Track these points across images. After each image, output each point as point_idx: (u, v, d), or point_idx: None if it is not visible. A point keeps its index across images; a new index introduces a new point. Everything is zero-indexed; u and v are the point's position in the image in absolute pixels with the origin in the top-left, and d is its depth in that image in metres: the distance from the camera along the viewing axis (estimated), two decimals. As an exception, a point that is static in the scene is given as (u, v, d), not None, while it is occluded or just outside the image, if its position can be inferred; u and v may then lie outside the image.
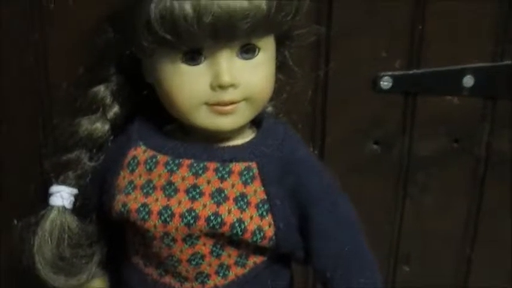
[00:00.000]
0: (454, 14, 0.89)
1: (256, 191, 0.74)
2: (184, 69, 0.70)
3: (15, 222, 0.82)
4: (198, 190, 0.73)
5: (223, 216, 0.72)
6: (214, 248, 0.74)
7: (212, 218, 0.72)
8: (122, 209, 0.75)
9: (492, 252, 1.07)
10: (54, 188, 0.81)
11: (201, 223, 0.72)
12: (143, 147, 0.77)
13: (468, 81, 0.92)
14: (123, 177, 0.76)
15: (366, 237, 0.77)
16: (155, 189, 0.74)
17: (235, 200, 0.73)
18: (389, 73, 0.91)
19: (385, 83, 0.91)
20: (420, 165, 0.98)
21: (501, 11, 0.90)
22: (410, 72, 0.92)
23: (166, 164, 0.74)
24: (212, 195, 0.73)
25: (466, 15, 0.89)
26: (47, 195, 0.81)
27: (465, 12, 0.89)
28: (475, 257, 1.07)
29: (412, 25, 0.90)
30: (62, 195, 0.80)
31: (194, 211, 0.72)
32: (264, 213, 0.74)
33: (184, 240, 0.73)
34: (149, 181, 0.75)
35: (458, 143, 0.98)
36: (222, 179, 0.73)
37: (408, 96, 0.94)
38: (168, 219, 0.73)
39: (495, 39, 0.92)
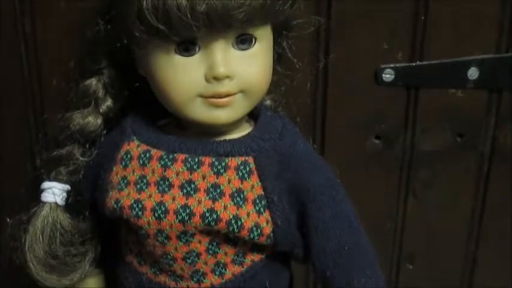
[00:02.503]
0: (457, 4, 0.87)
1: (253, 187, 0.72)
2: (178, 60, 0.69)
3: (7, 219, 0.80)
4: (193, 186, 0.71)
5: (218, 213, 0.70)
6: (210, 246, 0.73)
7: (207, 214, 0.70)
8: (115, 206, 0.73)
9: (497, 249, 1.05)
10: (46, 184, 0.80)
11: (196, 220, 0.70)
12: (136, 142, 0.75)
13: (473, 73, 0.90)
14: (116, 173, 0.75)
15: (368, 234, 0.76)
16: (149, 185, 0.72)
17: (232, 196, 0.71)
18: (391, 65, 0.89)
19: (387, 75, 0.90)
20: (423, 161, 0.97)
21: (505, 0, 0.88)
22: (413, 64, 0.90)
23: (160, 158, 0.73)
24: (207, 191, 0.71)
25: (469, 5, 0.87)
26: (38, 192, 0.80)
27: (468, 2, 0.87)
28: (480, 254, 1.05)
29: (415, 16, 0.88)
30: (54, 192, 0.80)
31: (189, 207, 0.70)
32: (262, 209, 0.72)
33: (178, 237, 0.72)
34: (143, 177, 0.73)
35: (462, 137, 0.96)
36: (217, 174, 0.71)
37: (411, 89, 0.92)
38: (162, 216, 0.71)
39: (500, 30, 0.89)
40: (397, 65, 0.89)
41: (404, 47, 0.89)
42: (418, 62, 0.90)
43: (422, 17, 0.88)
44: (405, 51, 0.89)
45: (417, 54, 0.89)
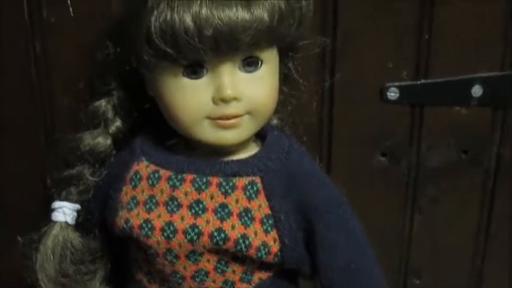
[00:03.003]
0: (461, 23, 0.88)
1: (260, 206, 0.72)
2: (186, 82, 0.69)
3: (18, 238, 0.81)
4: (201, 205, 0.72)
5: (226, 232, 0.71)
6: (218, 264, 0.73)
7: (215, 234, 0.71)
8: (125, 225, 0.74)
9: (503, 264, 1.05)
10: (57, 204, 0.81)
11: (205, 239, 0.71)
12: (146, 162, 0.76)
13: (477, 91, 0.91)
14: (126, 193, 0.76)
15: (374, 250, 0.76)
16: (158, 204, 0.73)
17: (239, 216, 0.72)
18: (396, 84, 0.90)
19: (392, 93, 0.90)
20: (429, 177, 0.97)
21: (509, 19, 0.89)
22: (418, 82, 0.90)
23: (169, 179, 0.73)
24: (215, 211, 0.72)
25: (473, 24, 0.88)
26: (49, 211, 0.80)
27: (472, 20, 0.88)
28: (486, 269, 1.05)
29: (419, 34, 0.88)
30: (64, 211, 0.80)
31: (197, 227, 0.71)
32: (269, 228, 0.72)
33: (187, 256, 0.72)
34: (152, 196, 0.74)
35: (467, 154, 0.96)
36: (225, 194, 0.72)
37: (415, 107, 0.92)
38: (170, 236, 0.72)
39: (504, 48, 0.90)
40: (402, 83, 0.90)
41: (408, 66, 0.90)
42: (422, 81, 0.90)
43: (426, 36, 0.88)
44: (409, 69, 0.90)
45: (421, 72, 0.90)
